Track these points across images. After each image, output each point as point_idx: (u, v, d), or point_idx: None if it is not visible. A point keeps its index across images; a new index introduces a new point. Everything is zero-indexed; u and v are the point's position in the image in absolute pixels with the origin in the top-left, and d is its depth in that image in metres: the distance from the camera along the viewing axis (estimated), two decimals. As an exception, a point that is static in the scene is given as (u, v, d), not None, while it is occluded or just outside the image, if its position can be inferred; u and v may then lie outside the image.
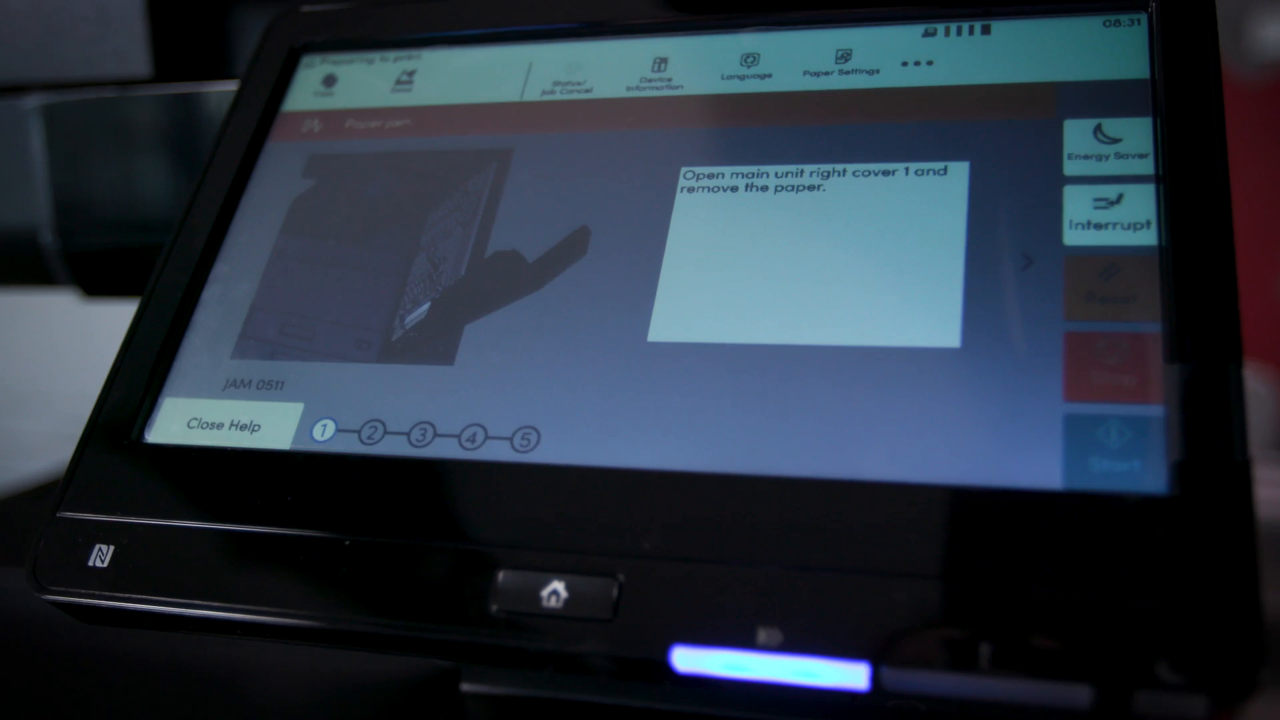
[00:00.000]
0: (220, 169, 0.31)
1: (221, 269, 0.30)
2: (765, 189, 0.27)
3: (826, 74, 0.28)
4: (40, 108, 0.43)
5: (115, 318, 0.35)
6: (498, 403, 0.26)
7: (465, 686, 0.33)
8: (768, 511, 0.23)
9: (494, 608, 0.23)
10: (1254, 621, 0.20)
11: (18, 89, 0.44)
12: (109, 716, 0.48)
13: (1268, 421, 2.34)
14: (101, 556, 0.26)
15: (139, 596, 0.25)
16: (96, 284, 0.46)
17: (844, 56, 0.29)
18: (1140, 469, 0.22)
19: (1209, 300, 0.23)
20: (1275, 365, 2.64)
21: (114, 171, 0.43)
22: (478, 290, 0.28)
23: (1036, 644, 0.20)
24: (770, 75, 0.29)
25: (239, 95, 0.33)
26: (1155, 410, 0.22)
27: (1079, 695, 0.20)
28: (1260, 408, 2.31)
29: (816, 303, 0.25)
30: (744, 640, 0.21)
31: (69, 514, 0.26)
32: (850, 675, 0.21)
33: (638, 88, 0.30)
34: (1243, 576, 0.20)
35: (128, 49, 0.42)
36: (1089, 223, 0.25)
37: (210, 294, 0.29)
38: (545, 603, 0.23)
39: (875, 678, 0.21)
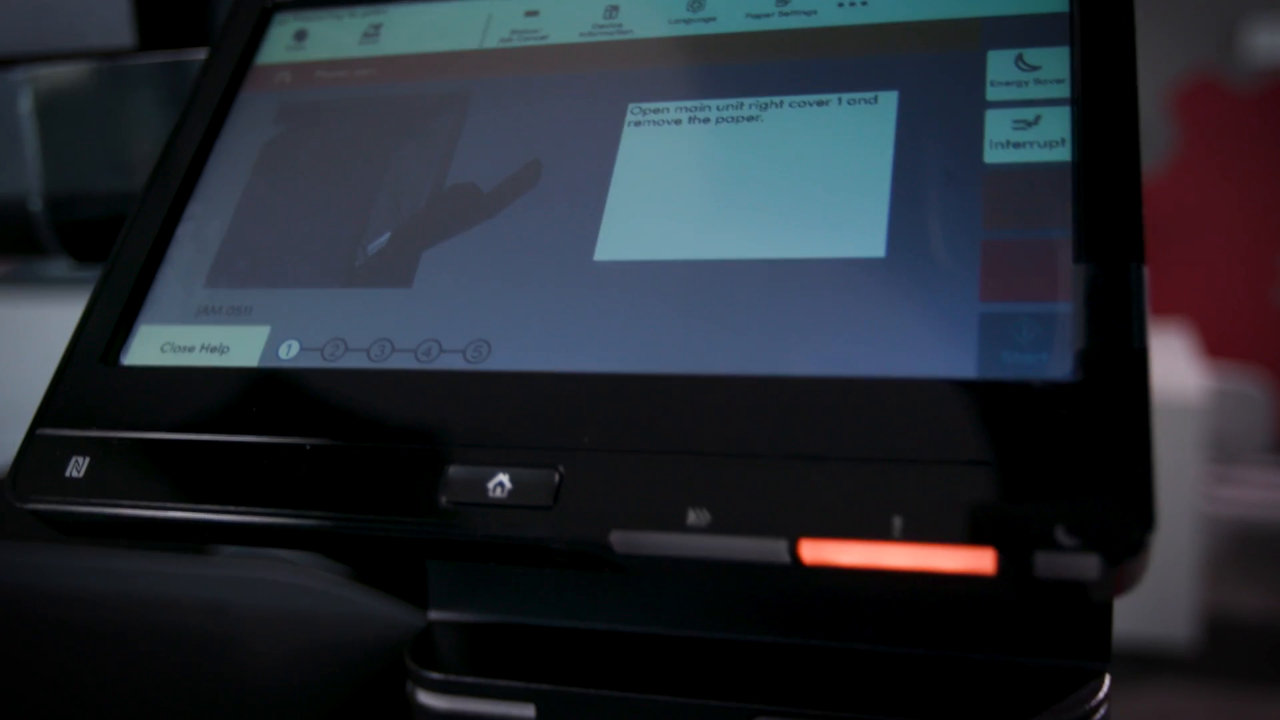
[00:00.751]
0: (195, 118, 0.33)
1: (195, 208, 0.31)
2: (707, 121, 0.29)
3: (767, 16, 0.30)
4: (28, 80, 0.45)
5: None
6: (452, 320, 0.27)
7: (433, 614, 0.35)
8: (699, 406, 0.24)
9: (443, 500, 0.24)
10: (1143, 491, 0.21)
11: (7, 62, 0.45)
12: (90, 680, 0.49)
13: (1263, 424, 2.34)
14: (78, 468, 0.27)
15: (112, 502, 0.26)
16: (85, 250, 0.47)
17: None
18: (1047, 359, 0.23)
19: (1113, 207, 0.24)
20: (1271, 370, 2.65)
21: (102, 140, 0.45)
22: (435, 220, 0.29)
23: (946, 515, 0.22)
24: (714, 19, 0.30)
25: (213, 51, 0.35)
26: (1062, 307, 0.23)
27: (984, 559, 0.21)
28: (1256, 411, 2.31)
29: (752, 220, 0.27)
30: (676, 523, 0.23)
31: (47, 430, 0.28)
32: (772, 550, 0.22)
33: (590, 33, 0.31)
34: (1135, 451, 0.21)
35: (112, 21, 0.43)
36: (1008, 142, 0.26)
37: (184, 230, 0.31)
38: (491, 493, 0.24)
39: (794, 551, 0.22)
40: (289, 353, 0.28)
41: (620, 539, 0.23)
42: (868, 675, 0.30)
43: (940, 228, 0.25)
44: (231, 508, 0.26)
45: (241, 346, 0.28)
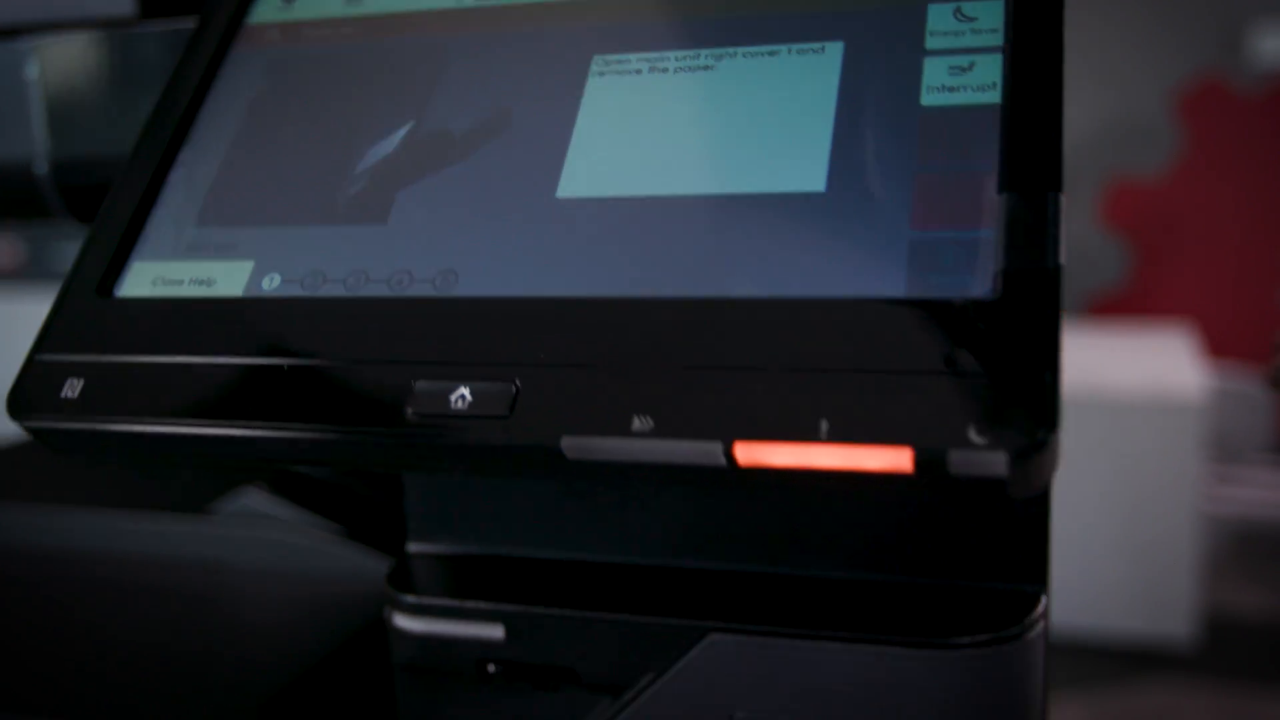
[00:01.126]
0: (188, 72, 0.35)
1: (186, 155, 0.33)
2: (665, 70, 0.30)
3: (724, -26, 0.32)
4: (34, 48, 0.47)
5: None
6: (423, 252, 0.29)
7: (411, 546, 0.37)
8: (644, 325, 0.26)
9: (410, 412, 0.26)
10: (1049, 395, 0.23)
11: (13, 32, 0.47)
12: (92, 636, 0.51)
13: (1264, 424, 2.34)
14: (72, 389, 0.29)
15: (103, 419, 0.28)
16: (90, 213, 0.49)
17: (743, -39, 0.32)
18: (969, 279, 0.25)
19: (1035, 143, 0.26)
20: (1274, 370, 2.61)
21: (106, 106, 0.47)
22: (410, 163, 0.31)
23: (869, 418, 0.23)
24: (675, -23, 0.32)
25: (206, 13, 0.37)
26: (985, 233, 0.25)
27: (903, 458, 0.23)
28: (1257, 410, 2.31)
29: (704, 160, 0.28)
30: (621, 428, 0.24)
31: (44, 356, 0.30)
32: (709, 452, 0.24)
33: (560, -8, 0.33)
34: (1043, 359, 0.23)
35: (114, -9, 0.45)
36: (943, 86, 0.28)
37: (175, 176, 0.33)
38: (453, 405, 0.26)
39: (729, 453, 0.24)
40: (271, 284, 0.30)
41: (570, 444, 0.25)
42: (814, 598, 0.32)
43: (877, 164, 0.27)
44: (215, 423, 0.27)
45: (227, 279, 0.30)
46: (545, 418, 0.25)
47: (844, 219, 0.26)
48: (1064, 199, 0.25)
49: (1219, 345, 2.68)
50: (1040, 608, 0.31)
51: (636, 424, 0.24)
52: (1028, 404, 0.23)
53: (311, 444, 0.27)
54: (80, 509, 0.61)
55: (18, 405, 0.29)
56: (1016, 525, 0.31)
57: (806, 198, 0.27)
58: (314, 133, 0.33)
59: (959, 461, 0.22)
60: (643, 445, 0.24)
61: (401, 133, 0.32)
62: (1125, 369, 2.20)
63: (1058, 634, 2.17)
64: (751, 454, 0.24)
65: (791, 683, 0.30)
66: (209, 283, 0.30)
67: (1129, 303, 3.05)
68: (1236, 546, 2.61)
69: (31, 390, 0.29)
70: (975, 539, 0.32)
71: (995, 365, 0.23)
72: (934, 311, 0.24)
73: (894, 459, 0.23)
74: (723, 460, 0.24)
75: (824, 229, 0.26)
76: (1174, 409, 2.06)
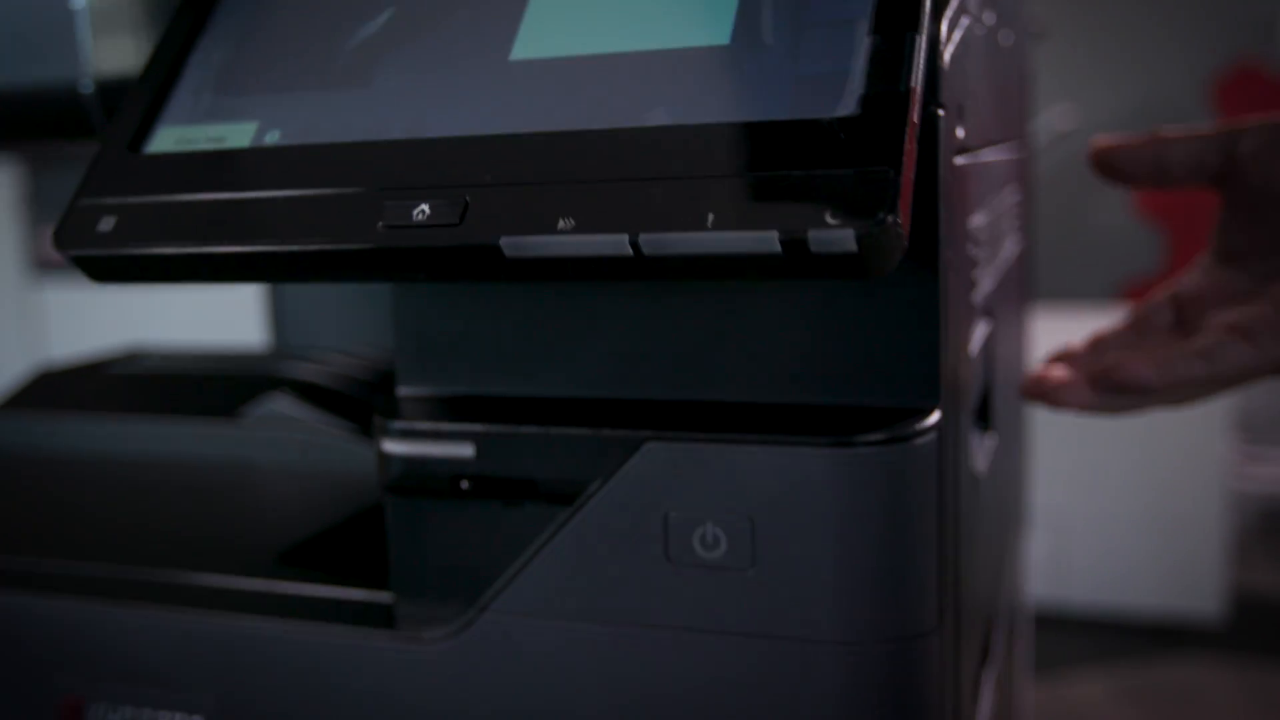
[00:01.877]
0: (209, -24, 0.41)
1: (205, 41, 0.39)
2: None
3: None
4: (83, -21, 0.53)
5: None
6: (399, 107, 0.34)
7: (400, 390, 0.42)
8: (571, 151, 0.31)
9: (380, 225, 0.31)
10: (890, 186, 0.27)
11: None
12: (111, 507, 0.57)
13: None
14: (106, 225, 0.35)
15: (131, 246, 0.34)
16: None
17: None
18: (837, 103, 0.30)
19: (902, -5, 0.31)
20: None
21: (149, 25, 0.53)
22: (393, 38, 0.36)
23: (745, 210, 0.28)
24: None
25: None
26: (857, 65, 0.30)
27: (772, 240, 0.28)
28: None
29: (631, 23, 0.33)
30: (549, 228, 0.30)
31: (83, 201, 0.35)
32: (618, 243, 0.29)
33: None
34: (888, 159, 0.28)
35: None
36: (832, -44, 0.33)
37: (195, 59, 0.38)
38: (415, 218, 0.31)
39: (634, 243, 0.29)
40: (273, 138, 0.35)
41: (508, 242, 0.30)
42: (737, 415, 0.37)
43: (774, 20, 0.32)
44: (222, 244, 0.33)
45: (236, 136, 0.36)
46: (488, 223, 0.30)
47: (745, 65, 0.31)
48: (920, 39, 0.30)
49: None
50: (932, 419, 0.35)
51: (561, 224, 0.29)
52: (873, 194, 0.27)
53: (303, 257, 0.32)
54: (125, 415, 0.67)
55: (62, 240, 0.35)
56: (914, 357, 0.36)
57: (712, 49, 0.32)
58: (310, 19, 0.38)
59: (816, 240, 0.27)
60: (566, 240, 0.29)
61: (383, 16, 0.37)
62: (1152, 348, 2.21)
63: (1084, 609, 2.19)
64: (652, 243, 0.29)
65: (717, 483, 0.35)
66: (220, 140, 0.36)
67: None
68: (1265, 524, 2.61)
69: (73, 227, 0.35)
70: (878, 367, 0.37)
71: (849, 166, 0.28)
72: (806, 128, 0.29)
73: (764, 242, 0.28)
74: (629, 250, 0.29)
75: (727, 73, 0.31)
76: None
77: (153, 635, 0.44)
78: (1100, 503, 2.16)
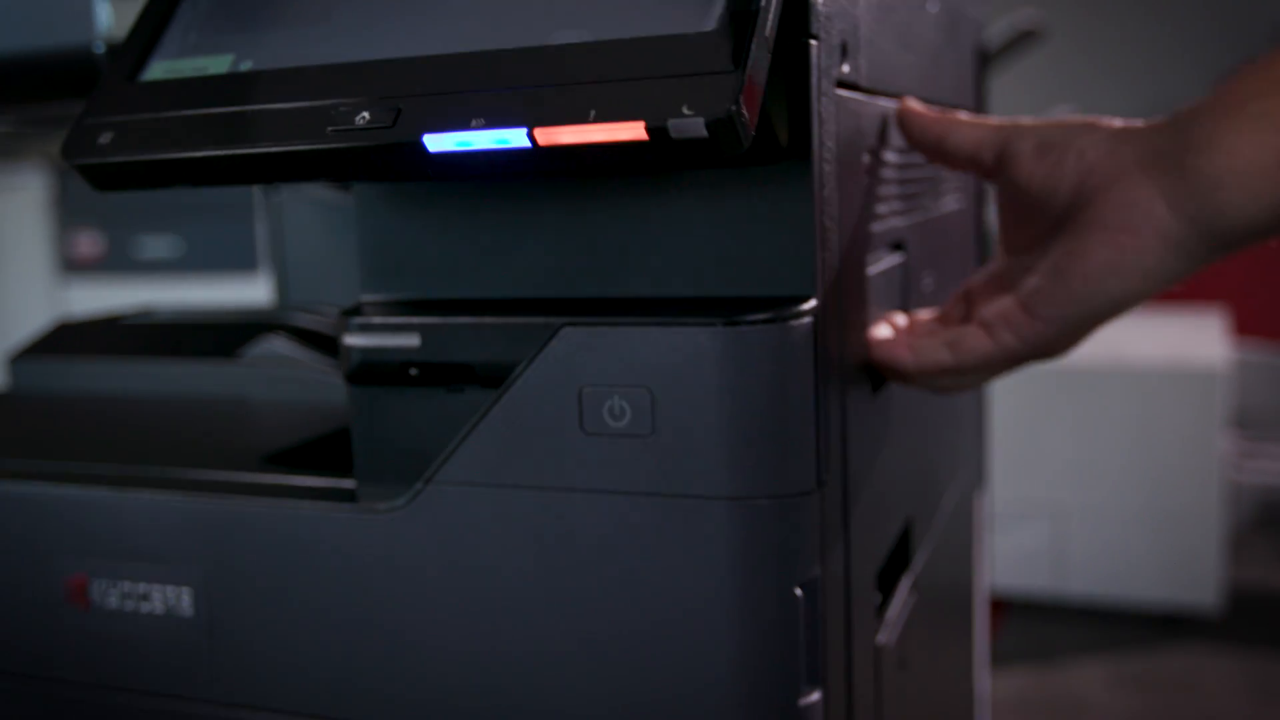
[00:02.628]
0: (199, -63, 0.47)
1: (193, -9, 0.45)
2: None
3: None
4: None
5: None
6: (355, 40, 0.41)
7: (362, 296, 0.48)
8: (482, 65, 0.37)
9: (329, 130, 0.38)
10: (735, 81, 0.33)
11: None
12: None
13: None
14: (107, 138, 0.41)
15: (128, 154, 0.40)
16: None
17: None
18: (703, 19, 0.36)
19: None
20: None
21: None
22: (348, -16, 0.43)
23: (621, 105, 0.34)
24: None
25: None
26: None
27: (639, 129, 0.34)
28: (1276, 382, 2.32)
29: (545, -35, 0.40)
30: (464, 125, 0.36)
31: (87, 120, 0.42)
32: (518, 135, 0.35)
33: None
34: (737, 62, 0.34)
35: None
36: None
37: (184, 5, 0.45)
38: (357, 123, 0.37)
39: (531, 135, 0.35)
40: (245, 66, 0.42)
41: (431, 139, 0.36)
42: (641, 303, 0.43)
43: (660, -41, 0.38)
44: (203, 150, 0.39)
45: (215, 66, 0.42)
46: (415, 124, 0.36)
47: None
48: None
49: (1261, 329, 2.71)
50: (808, 305, 0.41)
51: (473, 123, 0.36)
52: (720, 91, 0.33)
53: (267, 158, 0.38)
54: (133, 358, 0.74)
55: (69, 152, 0.41)
56: (793, 255, 0.42)
57: (610, -16, 0.38)
58: (283, -29, 0.45)
59: (675, 128, 0.33)
60: (477, 134, 0.35)
61: (344, -36, 0.43)
62: (1153, 343, 2.25)
63: (1083, 600, 2.22)
64: (546, 135, 0.35)
65: (622, 361, 0.41)
66: (203, 69, 0.42)
67: (1174, 291, 3.08)
68: (1262, 517, 2.63)
69: (78, 141, 0.41)
70: (765, 264, 0.42)
71: (705, 70, 0.34)
72: (675, 40, 0.35)
73: (634, 130, 0.34)
74: (528, 142, 0.35)
75: (624, 5, 0.37)
76: (1196, 376, 2.11)
77: (147, 519, 0.50)
78: (1100, 495, 2.20)
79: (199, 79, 0.42)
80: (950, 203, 0.73)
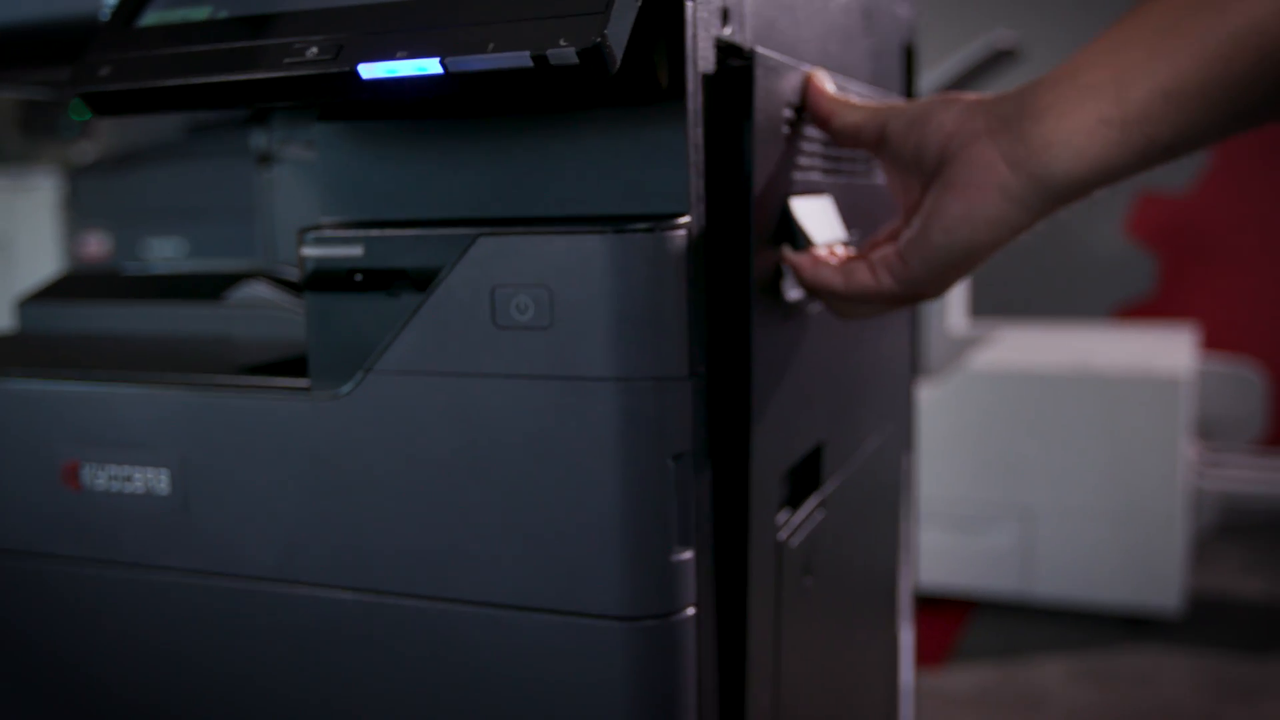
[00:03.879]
0: (190, -86, 0.56)
1: (182, -43, 0.54)
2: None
3: None
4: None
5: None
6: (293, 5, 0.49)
7: (321, 219, 0.57)
8: (408, 10, 0.46)
9: (286, 60, 0.46)
10: (601, 22, 0.42)
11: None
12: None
13: (1258, 408, 2.42)
14: (105, 71, 0.50)
15: (121, 83, 0.49)
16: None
17: None
18: (585, -23, 0.44)
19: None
20: (1271, 364, 2.73)
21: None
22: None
23: (512, 38, 0.43)
24: None
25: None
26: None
27: (524, 58, 0.42)
28: (1251, 392, 2.39)
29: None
30: (391, 56, 0.44)
31: (90, 57, 0.51)
32: (432, 64, 0.44)
33: None
34: (606, 5, 0.42)
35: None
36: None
37: (173, -29, 0.54)
38: (308, 55, 0.46)
39: (444, 64, 0.43)
40: (221, 14, 0.50)
41: (364, 68, 0.45)
42: (546, 220, 0.51)
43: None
44: (183, 79, 0.48)
45: (197, 14, 0.51)
46: (353, 57, 0.45)
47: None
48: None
49: (1229, 344, 2.79)
50: (682, 220, 0.50)
51: (398, 54, 0.44)
52: (590, 26, 0.42)
53: (234, 85, 0.47)
54: (127, 301, 0.82)
55: (76, 80, 0.50)
56: (671, 180, 0.50)
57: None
58: (257, -60, 0.53)
59: (553, 56, 0.42)
60: (400, 63, 0.44)
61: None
62: (1122, 354, 2.33)
63: (1049, 602, 2.29)
64: (454, 63, 0.43)
65: (527, 264, 0.50)
66: (187, 17, 0.51)
67: (1153, 309, 3.16)
68: (1225, 524, 2.70)
69: (82, 73, 0.50)
70: (650, 187, 0.51)
71: (581, 9, 0.43)
72: (561, -6, 0.44)
73: (522, 59, 0.42)
74: (440, 69, 0.44)
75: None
76: (1160, 384, 2.19)
77: (132, 411, 0.59)
78: (1067, 499, 2.27)
79: (183, 24, 0.51)
80: (882, 177, 0.81)
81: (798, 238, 0.59)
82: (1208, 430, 2.48)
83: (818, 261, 0.59)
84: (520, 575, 0.52)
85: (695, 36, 0.49)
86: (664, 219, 0.50)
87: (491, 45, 0.43)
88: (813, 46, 0.66)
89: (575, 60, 0.42)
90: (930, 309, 2.71)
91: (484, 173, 0.53)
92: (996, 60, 2.42)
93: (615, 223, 0.49)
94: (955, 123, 0.55)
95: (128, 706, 0.62)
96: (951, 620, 2.30)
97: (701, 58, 0.50)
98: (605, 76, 0.43)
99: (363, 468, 0.54)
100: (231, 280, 0.81)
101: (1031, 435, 2.27)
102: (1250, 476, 2.33)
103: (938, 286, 0.57)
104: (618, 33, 0.42)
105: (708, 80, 0.51)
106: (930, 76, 2.44)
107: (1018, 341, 2.52)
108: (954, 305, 2.74)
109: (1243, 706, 1.94)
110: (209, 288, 0.82)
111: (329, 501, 0.55)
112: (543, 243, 0.49)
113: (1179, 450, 2.19)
